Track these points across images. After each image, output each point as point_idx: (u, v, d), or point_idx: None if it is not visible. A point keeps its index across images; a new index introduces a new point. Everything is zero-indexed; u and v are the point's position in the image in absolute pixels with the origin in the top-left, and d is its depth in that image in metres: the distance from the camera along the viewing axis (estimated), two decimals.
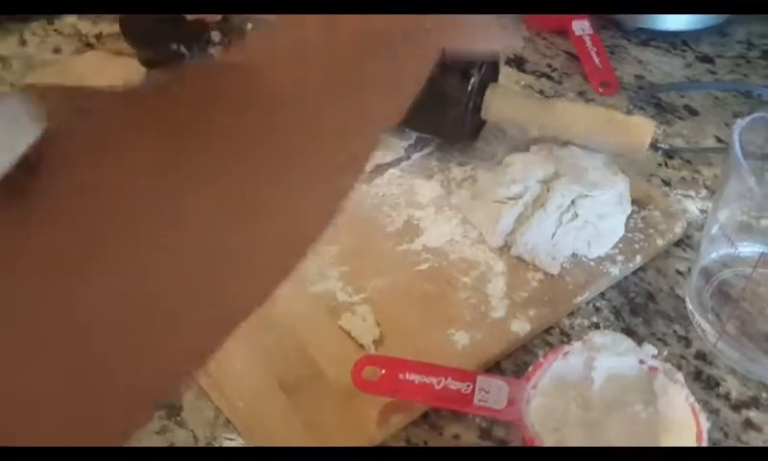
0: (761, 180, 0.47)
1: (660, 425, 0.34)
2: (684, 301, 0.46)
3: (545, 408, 0.37)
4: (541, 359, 0.37)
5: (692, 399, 0.36)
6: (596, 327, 0.44)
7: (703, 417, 0.35)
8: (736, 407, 0.41)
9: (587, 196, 0.46)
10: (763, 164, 0.46)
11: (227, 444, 0.39)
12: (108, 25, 0.69)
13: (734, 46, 0.68)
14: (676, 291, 0.47)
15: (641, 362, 0.37)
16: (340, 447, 0.37)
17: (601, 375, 0.37)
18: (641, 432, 0.34)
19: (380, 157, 0.53)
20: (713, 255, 0.45)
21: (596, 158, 0.48)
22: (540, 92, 0.62)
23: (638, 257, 0.47)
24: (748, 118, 0.40)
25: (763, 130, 0.42)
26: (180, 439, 0.40)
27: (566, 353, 0.37)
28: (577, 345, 0.38)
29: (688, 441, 0.34)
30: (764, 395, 0.41)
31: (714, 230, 0.42)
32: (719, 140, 0.57)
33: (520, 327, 0.43)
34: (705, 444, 0.35)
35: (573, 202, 0.46)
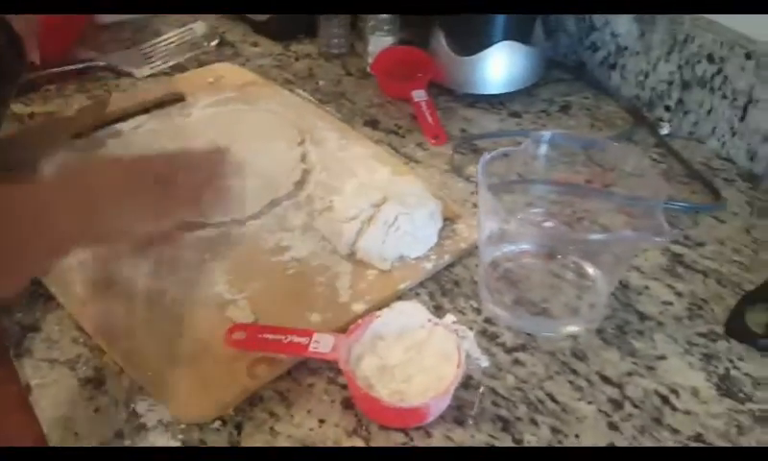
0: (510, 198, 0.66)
1: (429, 351, 0.51)
2: (478, 285, 0.64)
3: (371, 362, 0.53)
4: (360, 321, 0.54)
5: (460, 342, 0.52)
6: None
7: (463, 352, 0.51)
8: (509, 351, 0.58)
9: (406, 214, 0.63)
10: (507, 186, 0.65)
11: (141, 404, 0.53)
12: (39, 106, 0.84)
13: (539, 103, 0.88)
14: (474, 278, 0.64)
15: (429, 320, 0.54)
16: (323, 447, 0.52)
17: (396, 329, 0.54)
18: (416, 357, 0.52)
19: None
20: (496, 253, 0.63)
21: (415, 188, 0.66)
22: (389, 145, 0.80)
23: (447, 256, 0.65)
24: (488, 155, 0.58)
25: (505, 161, 0.61)
26: (104, 404, 0.54)
27: (378, 317, 0.54)
28: (386, 310, 0.54)
29: (451, 365, 0.51)
30: (531, 342, 0.59)
31: (483, 236, 0.61)
32: None
33: (359, 307, 0.59)
34: (462, 369, 0.51)
35: (396, 218, 0.63)
